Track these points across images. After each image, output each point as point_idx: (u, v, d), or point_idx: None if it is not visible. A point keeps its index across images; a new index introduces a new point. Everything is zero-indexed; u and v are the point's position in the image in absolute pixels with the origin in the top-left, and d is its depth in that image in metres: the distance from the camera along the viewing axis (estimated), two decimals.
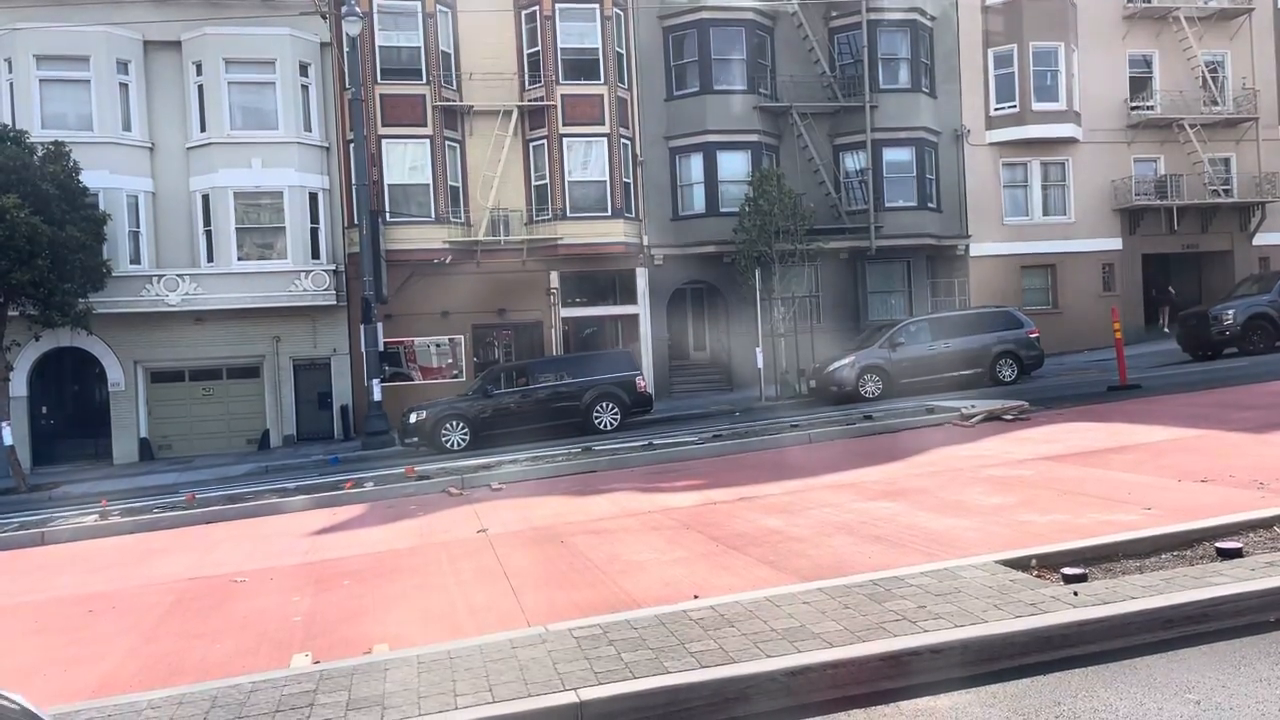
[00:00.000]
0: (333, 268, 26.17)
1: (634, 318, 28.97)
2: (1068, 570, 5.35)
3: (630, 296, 28.93)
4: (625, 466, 12.91)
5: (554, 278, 28.19)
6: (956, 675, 4.36)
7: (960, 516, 7.66)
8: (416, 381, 27.27)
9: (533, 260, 27.83)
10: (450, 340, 27.80)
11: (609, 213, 27.65)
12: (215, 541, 10.17)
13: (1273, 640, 4.54)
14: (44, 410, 25.64)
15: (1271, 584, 4.86)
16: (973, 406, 14.47)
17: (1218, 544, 5.61)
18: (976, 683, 4.31)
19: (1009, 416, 13.59)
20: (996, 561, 5.72)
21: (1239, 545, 5.54)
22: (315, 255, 26.25)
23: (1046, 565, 5.67)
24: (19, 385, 23.99)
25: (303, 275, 25.68)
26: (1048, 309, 30.98)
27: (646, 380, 22.88)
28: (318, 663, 5.04)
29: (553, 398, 21.41)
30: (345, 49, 24.89)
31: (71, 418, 26.13)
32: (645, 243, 28.63)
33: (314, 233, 26.30)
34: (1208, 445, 9.87)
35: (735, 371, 28.80)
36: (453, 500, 11.36)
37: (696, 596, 5.83)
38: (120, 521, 11.51)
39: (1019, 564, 5.69)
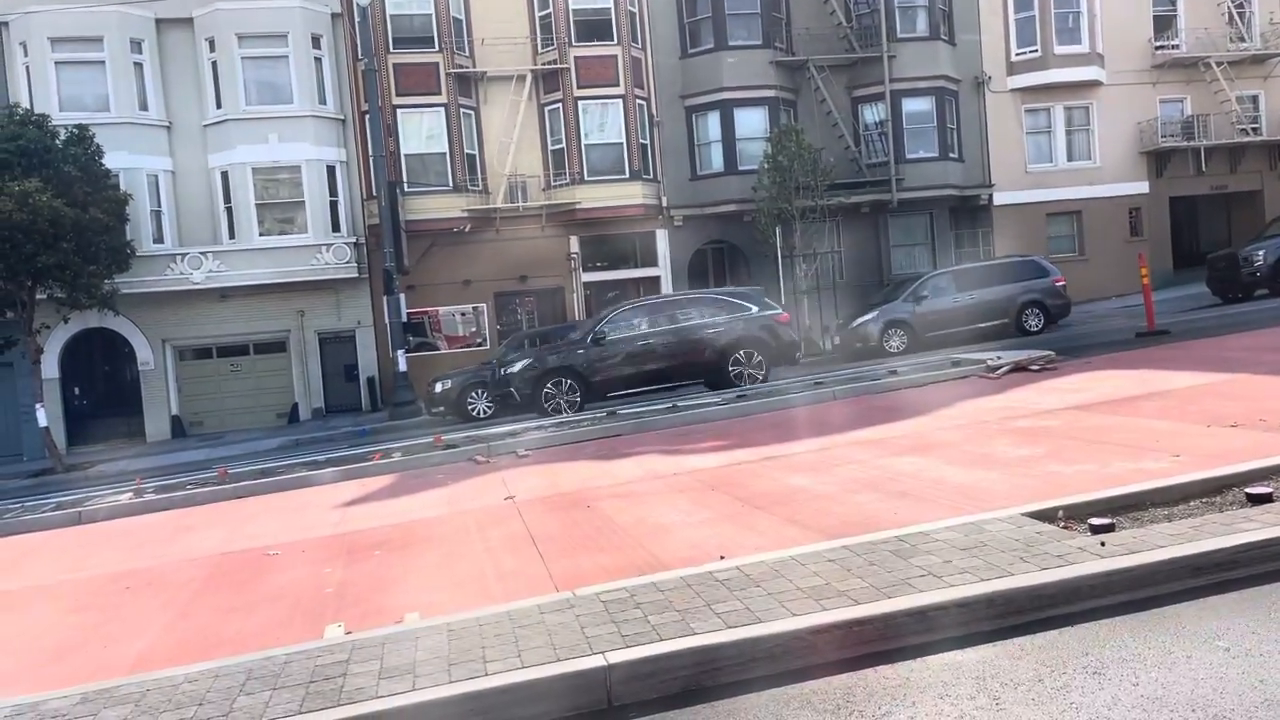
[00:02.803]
0: (353, 240, 26.27)
1: (655, 280, 28.91)
2: (1095, 520, 5.31)
3: (651, 259, 28.87)
4: (650, 429, 12.93)
5: (574, 243, 28.16)
6: (983, 629, 4.36)
7: (987, 469, 7.63)
8: (441, 351, 27.43)
9: (552, 226, 27.81)
10: (473, 309, 27.87)
11: (626, 175, 27.53)
12: (248, 516, 10.30)
13: None
14: (76, 391, 26.01)
15: None
16: (998, 358, 14.36)
17: (1247, 489, 5.55)
18: (1003, 636, 4.31)
19: (1035, 367, 13.48)
20: (1022, 514, 5.69)
21: (1269, 490, 5.48)
22: (335, 228, 26.33)
23: (1073, 516, 5.63)
24: (50, 367, 24.32)
25: (324, 249, 25.78)
26: (1074, 256, 30.67)
27: None
28: (349, 633, 5.11)
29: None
30: (357, 19, 24.84)
31: (103, 397, 26.47)
32: (664, 204, 28.50)
33: (333, 206, 26.36)
34: (1238, 390, 9.75)
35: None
36: (479, 468, 11.43)
37: (723, 557, 5.85)
38: (155, 499, 11.68)
39: (1045, 516, 5.65)
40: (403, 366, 23.39)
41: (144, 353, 25.63)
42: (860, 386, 13.85)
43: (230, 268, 25.27)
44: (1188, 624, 4.22)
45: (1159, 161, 31.12)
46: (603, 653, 4.21)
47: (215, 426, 26.35)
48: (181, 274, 24.96)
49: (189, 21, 25.64)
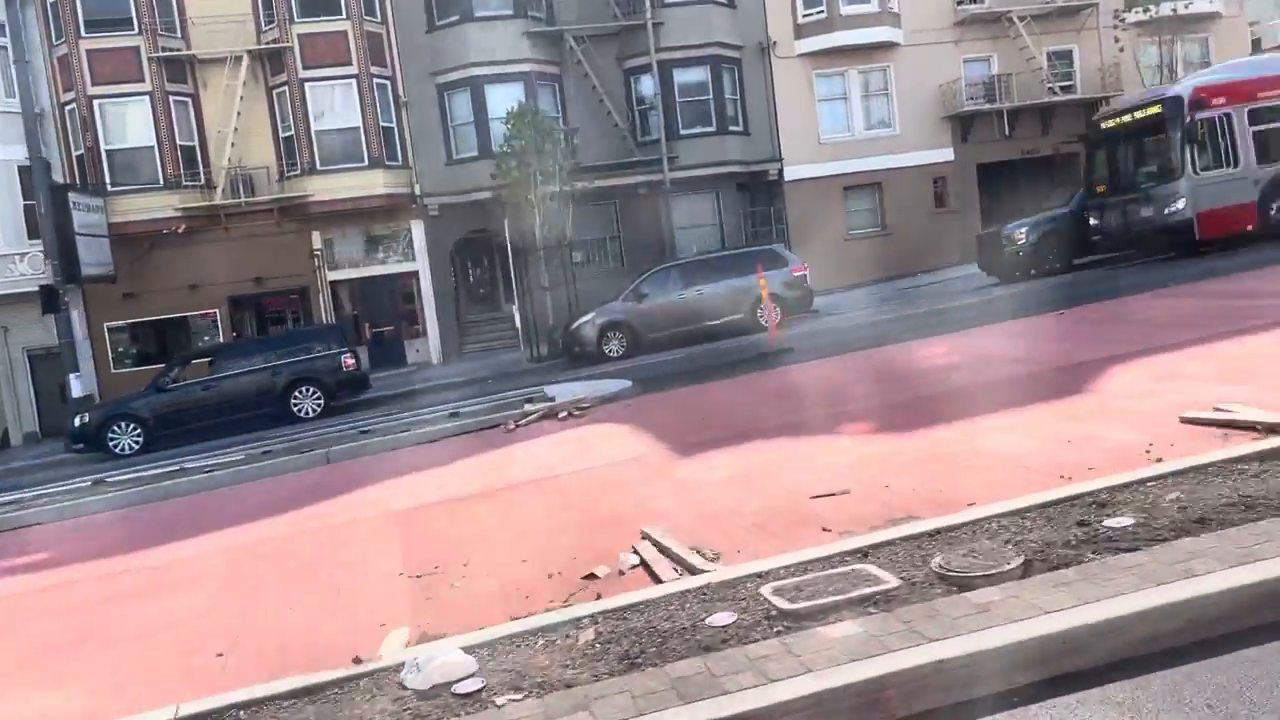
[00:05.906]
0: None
1: (413, 275, 26.66)
2: None
3: (408, 252, 26.57)
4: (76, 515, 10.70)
5: (315, 239, 25.80)
6: None
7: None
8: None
9: (289, 221, 25.43)
10: (204, 316, 25.54)
11: (366, 163, 25.11)
12: None
13: None
14: None
15: None
16: (553, 399, 12.26)
17: None
18: None
19: (563, 414, 11.36)
20: None
21: None
22: (33, 235, 23.84)
23: None
24: None
25: (18, 258, 23.46)
26: (876, 231, 28.62)
27: (358, 359, 20.33)
28: None
29: (243, 386, 19.15)
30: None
31: None
32: (418, 192, 26.13)
33: (29, 210, 23.85)
34: (625, 478, 7.65)
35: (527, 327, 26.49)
36: None
37: None
38: None
39: None
40: (77, 392, 21.07)
41: None
42: (363, 445, 11.65)
43: None
44: None
45: (964, 126, 28.81)
46: None
47: None
48: None
49: None
